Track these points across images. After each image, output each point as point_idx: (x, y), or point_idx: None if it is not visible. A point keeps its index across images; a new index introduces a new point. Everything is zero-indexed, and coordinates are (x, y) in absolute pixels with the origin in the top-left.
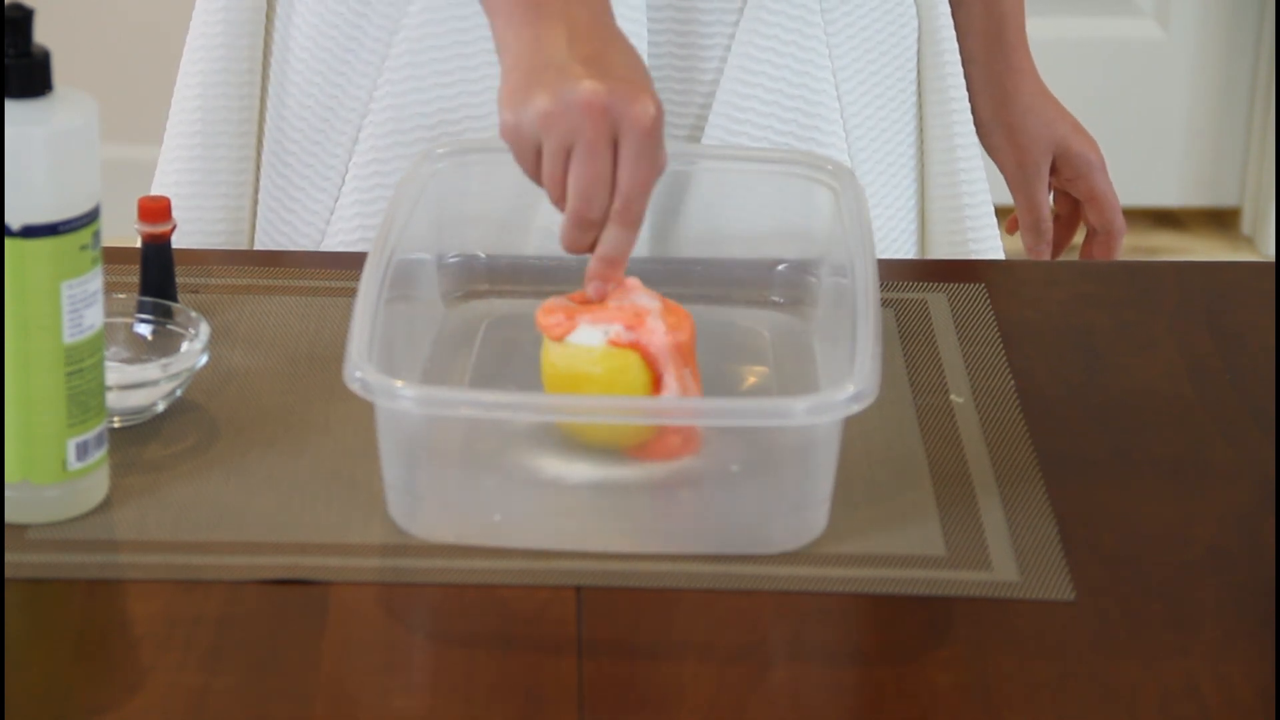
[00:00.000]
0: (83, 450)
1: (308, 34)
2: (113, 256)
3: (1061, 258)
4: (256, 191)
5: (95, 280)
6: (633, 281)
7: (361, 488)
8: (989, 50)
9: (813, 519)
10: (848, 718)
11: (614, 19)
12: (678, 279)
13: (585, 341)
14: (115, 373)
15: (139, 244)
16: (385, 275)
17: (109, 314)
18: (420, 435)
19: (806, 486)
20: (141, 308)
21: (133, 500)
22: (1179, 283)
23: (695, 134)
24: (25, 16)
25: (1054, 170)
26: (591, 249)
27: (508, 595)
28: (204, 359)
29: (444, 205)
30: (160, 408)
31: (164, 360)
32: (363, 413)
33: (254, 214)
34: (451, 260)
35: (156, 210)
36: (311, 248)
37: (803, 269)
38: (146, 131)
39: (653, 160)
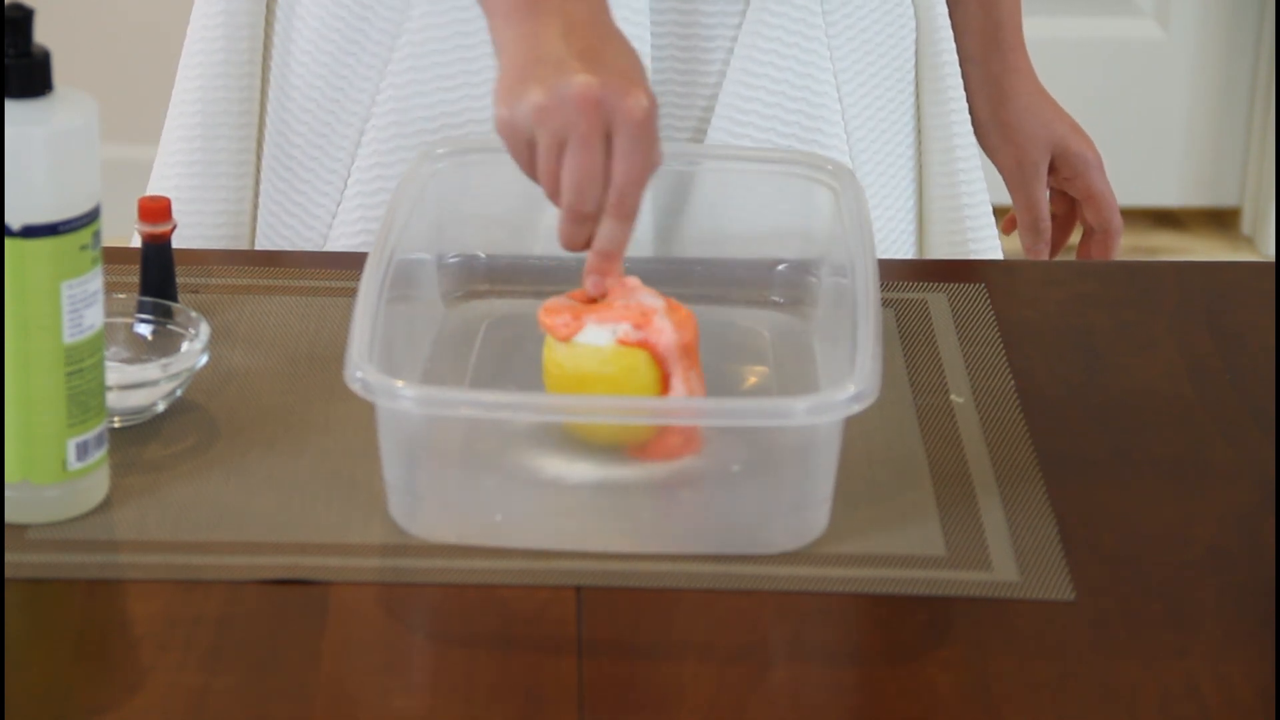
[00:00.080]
0: (83, 450)
1: (309, 36)
2: (113, 256)
3: (1058, 258)
4: (257, 193)
5: (95, 280)
6: (633, 281)
7: (361, 488)
8: (986, 50)
9: (813, 519)
10: (848, 718)
11: (611, 15)
12: (678, 279)
13: (594, 341)
14: (115, 373)
15: (139, 244)
16: (385, 275)
17: (109, 314)
18: (421, 435)
19: (807, 486)
20: (141, 308)
21: (133, 500)
22: (1179, 283)
23: (698, 136)
24: (25, 16)
25: (1051, 169)
26: (589, 245)
27: (508, 595)
28: (204, 359)
29: (444, 205)
30: (160, 408)
31: (164, 360)
32: (363, 413)
33: (254, 216)
34: (451, 260)
35: (156, 210)
36: (314, 250)
37: (803, 269)
38: (146, 131)
39: (646, 153)
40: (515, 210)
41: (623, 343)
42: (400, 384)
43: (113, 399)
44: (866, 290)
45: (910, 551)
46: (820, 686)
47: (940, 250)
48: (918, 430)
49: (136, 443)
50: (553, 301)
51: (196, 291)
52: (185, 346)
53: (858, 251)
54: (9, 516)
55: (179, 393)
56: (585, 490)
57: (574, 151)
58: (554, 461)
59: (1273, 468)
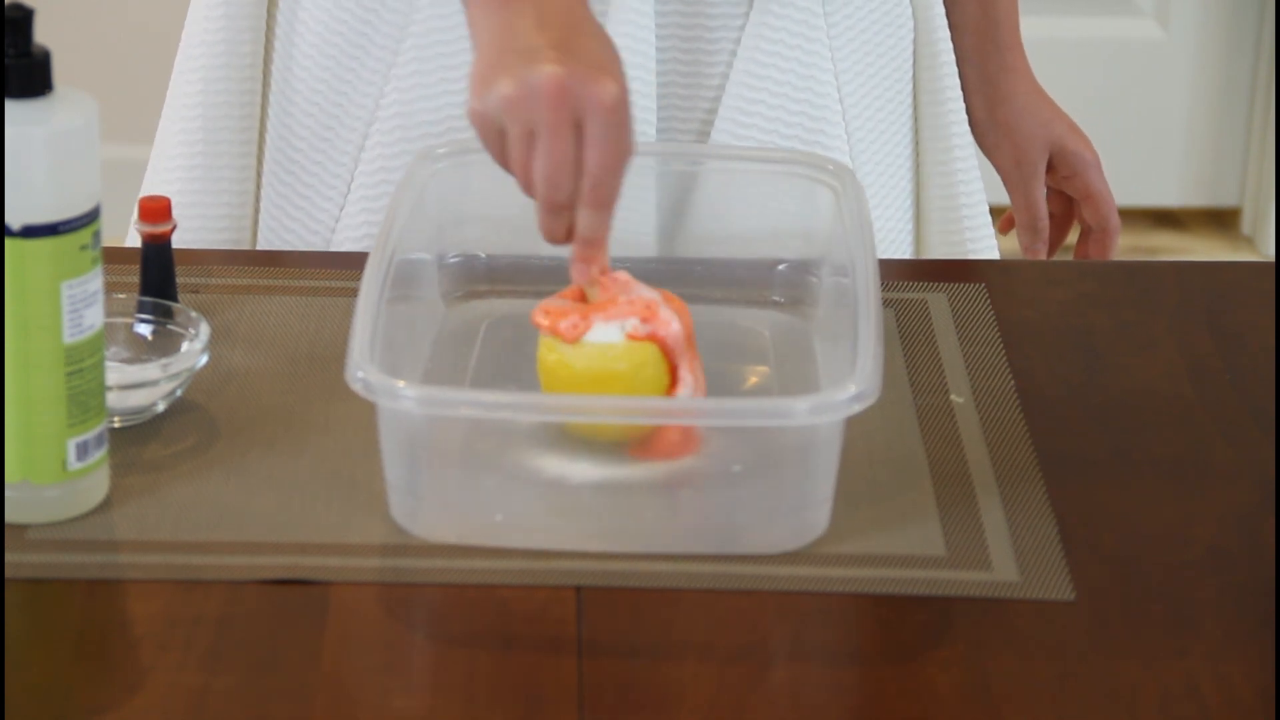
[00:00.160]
0: (83, 450)
1: (313, 40)
2: (113, 256)
3: (1055, 257)
4: (258, 197)
5: (95, 280)
6: (623, 275)
7: (362, 488)
8: (983, 49)
9: (814, 519)
10: (848, 718)
11: (587, 6)
12: (678, 279)
13: (604, 339)
14: (115, 373)
15: (139, 244)
16: (386, 275)
17: (109, 314)
18: (421, 435)
19: (807, 486)
20: (141, 308)
21: (133, 500)
22: (1179, 283)
23: (702, 137)
24: (25, 16)
25: (1049, 169)
26: (570, 238)
27: (508, 595)
28: (204, 359)
29: (444, 205)
30: (160, 408)
31: (164, 360)
32: (363, 413)
33: (256, 217)
34: (452, 260)
35: (156, 210)
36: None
37: (803, 269)
38: (146, 131)
39: (618, 140)
40: (515, 210)
41: (632, 337)
42: (401, 384)
43: (113, 399)
44: (867, 290)
45: (910, 551)
46: (820, 686)
47: (937, 250)
48: (918, 430)
49: (136, 443)
50: (548, 303)
51: (196, 291)
52: (185, 346)
53: (858, 251)
54: (9, 516)
55: (179, 393)
56: (585, 490)
57: (543, 142)
58: (554, 461)
59: (1273, 468)
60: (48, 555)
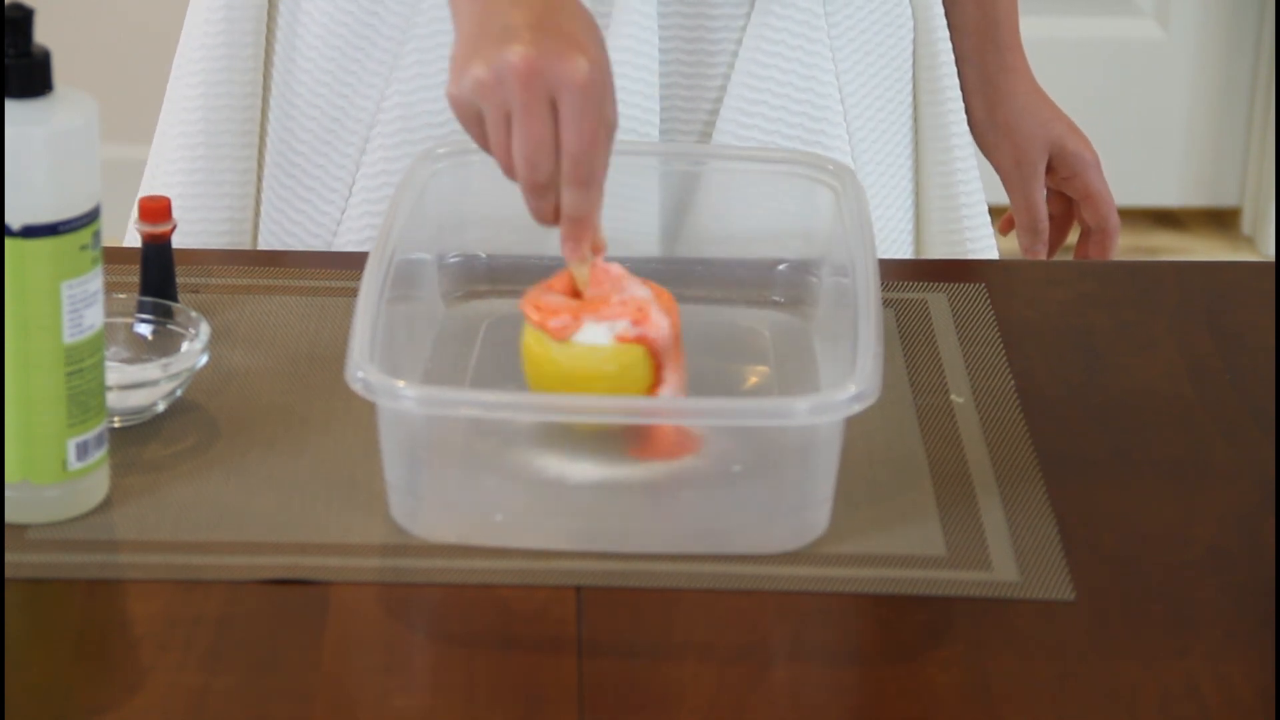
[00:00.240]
0: (83, 450)
1: (313, 41)
2: (113, 256)
3: (1055, 257)
4: (259, 197)
5: (95, 280)
6: (617, 269)
7: (362, 488)
8: (983, 50)
9: (814, 519)
10: (848, 718)
11: None
12: (678, 279)
13: (593, 340)
14: (115, 373)
15: (139, 244)
16: (386, 275)
17: (109, 314)
18: (422, 435)
19: (807, 486)
20: (141, 308)
21: (133, 500)
22: (1179, 283)
23: (704, 138)
24: (25, 16)
25: (1049, 169)
26: (559, 218)
27: (508, 595)
28: (204, 359)
29: (444, 205)
30: (160, 408)
31: (164, 360)
32: (363, 413)
33: (257, 220)
34: (452, 260)
35: (156, 210)
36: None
37: (804, 269)
38: (146, 131)
39: (595, 116)
40: (516, 210)
41: (621, 339)
42: (402, 384)
43: (113, 399)
44: (867, 290)
45: (910, 551)
46: (820, 686)
47: (937, 250)
48: (918, 430)
49: (136, 443)
50: (539, 297)
51: (196, 291)
52: (185, 346)
53: (858, 251)
54: (9, 516)
55: (179, 393)
56: (585, 490)
57: (519, 123)
58: (555, 461)
59: (1273, 468)
60: (48, 555)
